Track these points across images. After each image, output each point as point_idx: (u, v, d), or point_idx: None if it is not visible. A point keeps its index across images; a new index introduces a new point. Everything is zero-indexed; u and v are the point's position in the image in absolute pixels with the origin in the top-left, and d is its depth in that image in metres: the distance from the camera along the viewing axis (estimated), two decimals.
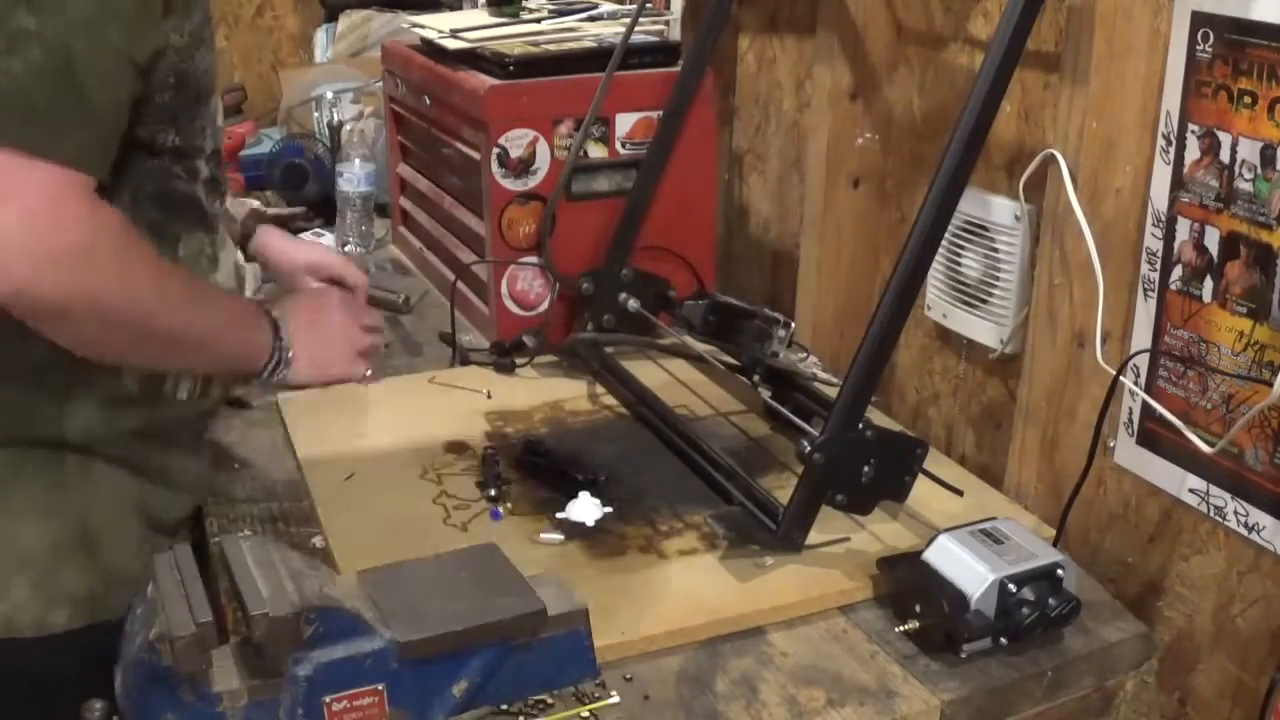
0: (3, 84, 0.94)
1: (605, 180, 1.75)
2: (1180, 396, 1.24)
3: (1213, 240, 1.18)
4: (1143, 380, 1.28)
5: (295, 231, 2.08)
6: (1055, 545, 1.24)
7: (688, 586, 1.18)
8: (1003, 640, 1.10)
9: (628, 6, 2.00)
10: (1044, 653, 1.13)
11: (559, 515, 1.29)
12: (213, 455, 1.36)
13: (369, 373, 1.43)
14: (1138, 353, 1.27)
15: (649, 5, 1.79)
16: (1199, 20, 1.16)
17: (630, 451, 1.45)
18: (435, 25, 1.93)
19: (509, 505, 1.32)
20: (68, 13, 0.96)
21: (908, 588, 1.15)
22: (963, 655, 1.09)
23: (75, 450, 1.12)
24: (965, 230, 1.49)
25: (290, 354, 1.26)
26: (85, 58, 0.97)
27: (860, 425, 1.19)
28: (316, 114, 2.50)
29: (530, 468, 1.39)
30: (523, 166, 1.70)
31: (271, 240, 1.58)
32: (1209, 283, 1.19)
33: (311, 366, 1.31)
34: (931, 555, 1.15)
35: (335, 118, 2.38)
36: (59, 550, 1.11)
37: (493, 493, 1.33)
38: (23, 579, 1.10)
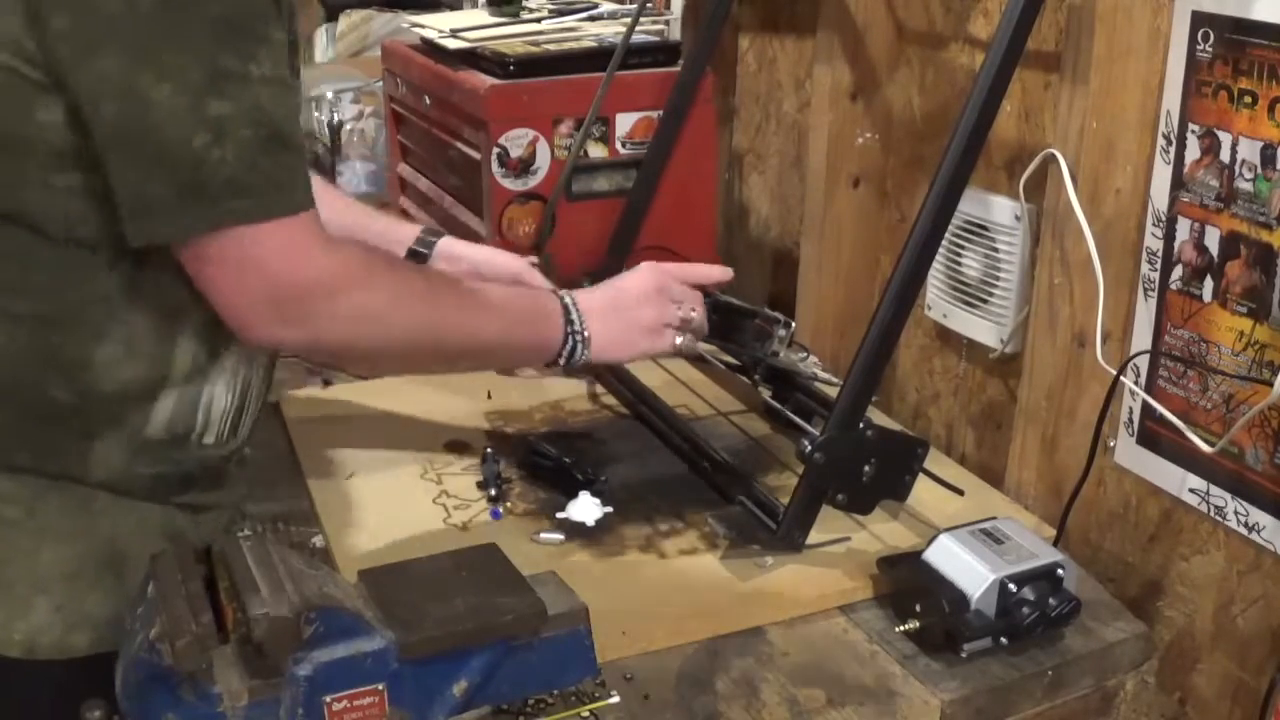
0: (224, 173, 0.93)
1: (605, 180, 1.74)
2: (1180, 396, 1.24)
3: (1213, 240, 1.18)
4: (1143, 380, 1.28)
5: None
6: (1055, 545, 1.24)
7: (688, 586, 1.19)
8: (1003, 640, 1.10)
9: (628, 6, 2.00)
10: (1044, 652, 1.13)
11: (559, 515, 1.29)
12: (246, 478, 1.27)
13: (680, 341, 1.31)
14: (1138, 353, 1.27)
15: (649, 5, 1.79)
16: (1199, 20, 1.16)
17: (630, 451, 1.45)
18: (435, 25, 1.93)
19: (509, 505, 1.32)
20: (254, 80, 0.94)
21: (908, 587, 1.15)
22: (963, 655, 1.09)
23: (101, 486, 1.09)
24: (965, 230, 1.49)
25: (586, 335, 1.22)
26: (284, 112, 0.96)
27: (861, 425, 1.19)
28: (317, 114, 2.49)
29: (530, 468, 1.39)
30: (523, 166, 1.70)
31: (452, 248, 1.46)
32: (1209, 282, 1.19)
33: (612, 346, 1.26)
34: (932, 555, 1.14)
35: (335, 118, 2.38)
36: (84, 573, 1.08)
37: (493, 493, 1.33)
38: (44, 600, 1.06)
